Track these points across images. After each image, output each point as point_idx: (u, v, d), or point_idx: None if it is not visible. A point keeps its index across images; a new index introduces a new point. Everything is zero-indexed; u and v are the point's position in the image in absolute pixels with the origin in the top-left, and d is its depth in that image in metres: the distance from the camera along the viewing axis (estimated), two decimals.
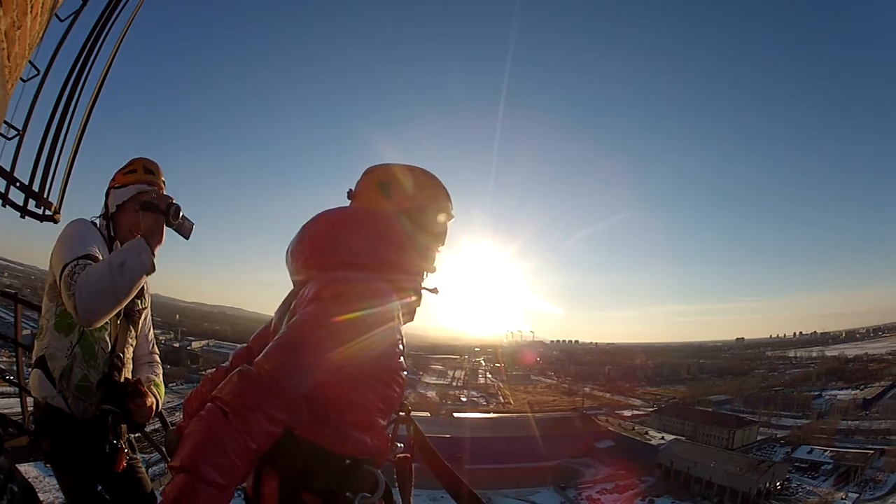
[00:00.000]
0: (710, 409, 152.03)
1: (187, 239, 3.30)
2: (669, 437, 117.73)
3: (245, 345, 2.73)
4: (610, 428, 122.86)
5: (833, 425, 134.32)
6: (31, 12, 3.98)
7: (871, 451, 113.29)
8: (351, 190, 2.62)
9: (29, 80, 5.23)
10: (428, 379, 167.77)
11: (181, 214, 3.23)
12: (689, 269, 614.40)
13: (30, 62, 5.00)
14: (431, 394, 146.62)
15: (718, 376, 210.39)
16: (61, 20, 5.46)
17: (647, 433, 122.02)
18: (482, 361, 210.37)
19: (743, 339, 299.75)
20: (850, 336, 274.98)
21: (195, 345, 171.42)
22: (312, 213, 2.45)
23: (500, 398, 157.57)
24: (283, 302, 2.51)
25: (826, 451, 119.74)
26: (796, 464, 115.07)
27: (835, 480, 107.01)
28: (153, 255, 3.06)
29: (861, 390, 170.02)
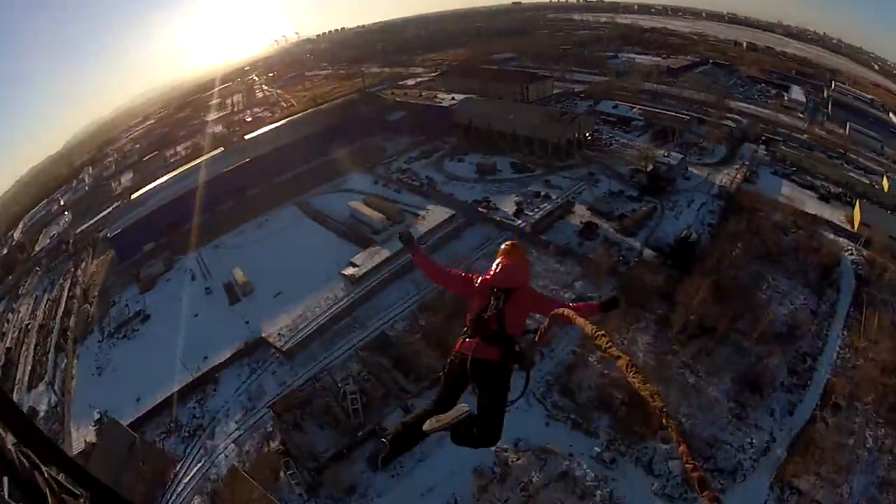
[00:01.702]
0: (496, 67, 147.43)
1: None
2: (460, 97, 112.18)
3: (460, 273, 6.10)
4: (398, 99, 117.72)
5: (636, 85, 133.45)
6: None
7: (687, 117, 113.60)
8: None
9: None
10: (210, 117, 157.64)
11: None
12: None
13: None
14: (218, 129, 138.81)
15: (499, 36, 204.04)
16: None
17: (436, 97, 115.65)
18: (255, 77, 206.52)
19: (520, 2, 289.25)
20: (644, 9, 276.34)
21: None
22: None
23: (283, 104, 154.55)
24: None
25: (633, 107, 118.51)
26: (602, 117, 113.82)
27: (652, 136, 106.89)
28: None
29: (664, 59, 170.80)
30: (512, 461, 52.66)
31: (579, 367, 62.84)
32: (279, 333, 55.80)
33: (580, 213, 79.70)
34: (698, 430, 59.91)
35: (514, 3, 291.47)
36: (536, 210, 79.06)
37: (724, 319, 68.74)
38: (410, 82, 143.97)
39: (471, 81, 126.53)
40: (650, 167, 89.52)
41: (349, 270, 64.10)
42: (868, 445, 63.53)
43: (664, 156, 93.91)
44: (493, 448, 50.88)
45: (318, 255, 67.54)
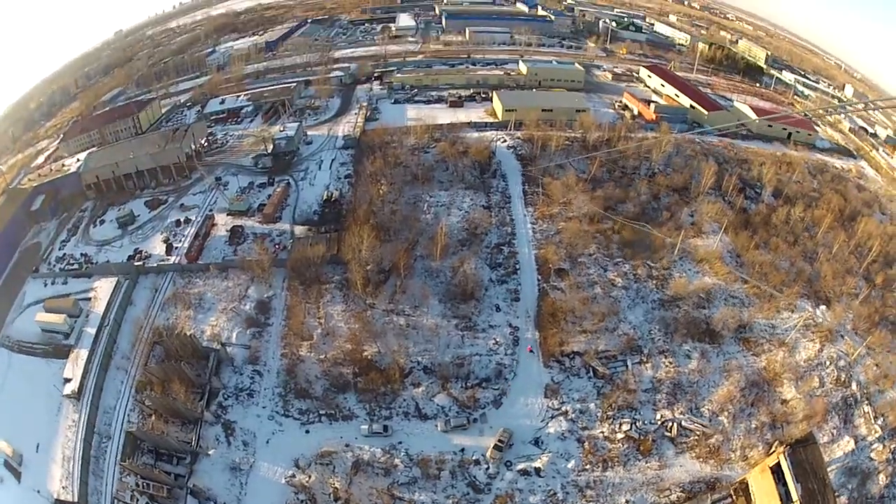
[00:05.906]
0: (108, 109, 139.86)
1: None
2: (83, 155, 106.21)
3: None
4: (34, 184, 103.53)
5: (238, 72, 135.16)
6: None
7: (293, 84, 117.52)
8: None
9: None
10: None
11: None
12: None
13: None
14: None
15: (105, 75, 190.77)
16: None
17: (63, 166, 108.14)
18: None
19: (122, 30, 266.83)
20: None
21: None
22: None
23: None
24: None
25: (240, 96, 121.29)
26: (213, 118, 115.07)
27: (263, 117, 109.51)
28: None
29: (260, 35, 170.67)
30: (306, 482, 53.03)
31: (297, 365, 63.82)
32: (63, 487, 55.52)
33: (223, 222, 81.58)
34: (439, 360, 64.22)
35: (115, 32, 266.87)
36: (183, 238, 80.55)
37: (401, 252, 73.98)
38: (42, 158, 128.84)
39: (89, 135, 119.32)
40: (270, 148, 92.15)
41: (67, 388, 64.32)
42: (619, 284, 71.78)
43: (281, 131, 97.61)
44: (283, 480, 50.56)
45: (40, 390, 65.33)
